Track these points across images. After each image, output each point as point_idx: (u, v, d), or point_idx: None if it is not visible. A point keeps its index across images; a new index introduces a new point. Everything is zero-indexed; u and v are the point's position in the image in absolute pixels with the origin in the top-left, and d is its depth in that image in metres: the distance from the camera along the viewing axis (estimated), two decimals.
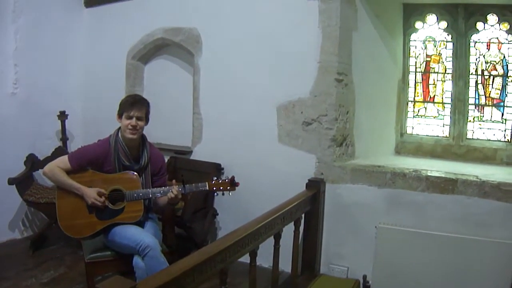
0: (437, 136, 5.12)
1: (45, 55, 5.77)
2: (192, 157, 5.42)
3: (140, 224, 3.80)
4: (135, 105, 3.75)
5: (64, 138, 5.80)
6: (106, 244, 3.78)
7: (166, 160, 4.20)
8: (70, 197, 3.67)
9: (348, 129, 4.73)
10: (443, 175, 4.16)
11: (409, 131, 5.27)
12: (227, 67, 5.10)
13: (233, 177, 3.82)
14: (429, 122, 5.18)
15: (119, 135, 3.83)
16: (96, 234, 3.73)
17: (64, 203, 3.68)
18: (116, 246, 3.70)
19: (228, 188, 3.80)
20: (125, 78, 5.84)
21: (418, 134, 5.22)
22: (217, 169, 5.09)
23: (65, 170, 3.68)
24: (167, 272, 2.59)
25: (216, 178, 3.82)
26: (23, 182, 5.17)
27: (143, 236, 3.55)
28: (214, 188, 3.79)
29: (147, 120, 3.87)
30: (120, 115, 3.79)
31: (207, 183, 3.78)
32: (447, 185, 4.10)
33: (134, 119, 3.73)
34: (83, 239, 3.87)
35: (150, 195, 3.77)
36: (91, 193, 3.62)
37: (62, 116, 5.77)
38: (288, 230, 3.89)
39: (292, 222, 4.01)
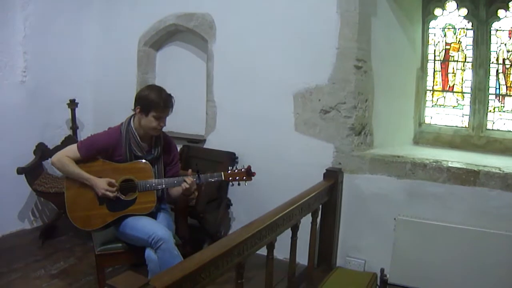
0: (456, 126, 4.92)
1: (55, 42, 5.58)
2: (205, 146, 5.26)
3: (153, 215, 3.62)
4: (168, 107, 3.55)
5: (74, 127, 5.64)
6: (117, 236, 3.61)
7: (178, 148, 4.03)
8: (80, 187, 3.50)
9: (367, 117, 4.55)
10: (464, 167, 4.01)
11: (427, 121, 5.07)
12: (242, 54, 4.92)
13: (249, 167, 3.64)
14: (448, 112, 4.98)
15: (131, 124, 3.61)
16: (106, 226, 3.56)
17: (73, 194, 3.51)
18: (128, 239, 3.53)
19: (244, 178, 3.61)
20: (136, 65, 5.66)
21: (436, 124, 5.02)
22: (231, 158, 4.93)
23: (74, 159, 3.49)
24: (182, 267, 2.44)
25: (231, 167, 3.63)
26: (32, 172, 5.03)
27: (155, 228, 3.37)
28: (230, 178, 3.60)
29: None
30: (145, 112, 3.51)
31: (222, 173, 3.59)
32: (468, 176, 3.94)
33: (163, 119, 3.56)
34: (93, 231, 3.70)
35: (164, 185, 3.58)
36: (102, 184, 3.44)
37: (72, 104, 5.60)
38: (303, 222, 3.75)
39: (309, 214, 3.87)
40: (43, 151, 5.25)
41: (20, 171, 4.88)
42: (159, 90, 3.62)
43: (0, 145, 5.08)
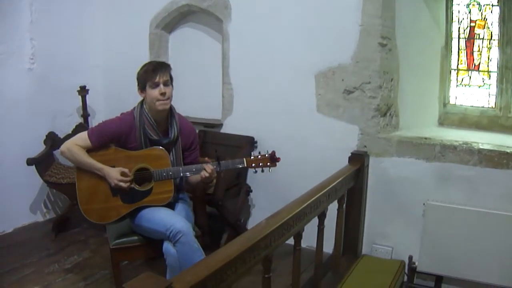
0: (483, 107, 4.62)
1: (63, 27, 5.31)
2: (222, 131, 5.03)
3: (170, 206, 3.37)
4: (158, 69, 3.25)
5: (85, 114, 5.40)
6: (133, 228, 3.38)
7: None
8: (92, 178, 3.25)
9: (392, 98, 4.29)
10: (496, 149, 3.76)
11: (452, 101, 4.78)
12: (260, 33, 4.65)
13: (273, 152, 3.36)
14: (473, 92, 4.67)
15: (144, 107, 3.35)
16: (121, 219, 3.32)
17: (85, 186, 3.27)
18: (144, 231, 3.29)
19: (268, 164, 3.34)
20: (148, 48, 5.41)
21: (462, 105, 4.73)
22: (250, 142, 4.69)
23: (84, 148, 3.24)
24: (206, 264, 2.17)
25: (254, 153, 3.36)
26: (43, 162, 4.81)
27: (173, 220, 3.12)
28: (253, 165, 3.33)
29: (172, 86, 3.38)
30: (143, 88, 3.30)
31: (244, 159, 3.32)
32: (501, 159, 3.70)
33: (161, 85, 3.23)
34: (108, 224, 3.47)
35: (181, 174, 3.31)
36: (115, 174, 3.18)
37: (83, 91, 5.35)
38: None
39: (335, 200, 3.63)
40: (53, 141, 5.02)
41: (30, 162, 4.65)
42: (148, 62, 3.48)
43: (9, 135, 4.86)
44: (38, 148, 4.92)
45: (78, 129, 5.10)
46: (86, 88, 5.37)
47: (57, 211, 5.43)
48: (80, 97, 5.36)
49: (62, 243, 4.70)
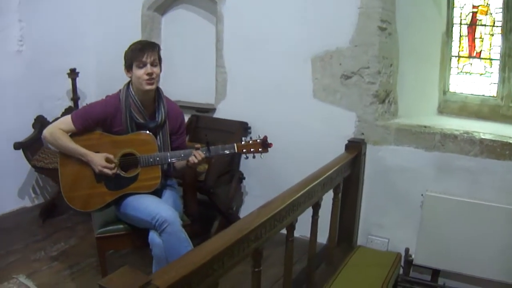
0: (484, 95, 4.46)
1: (53, 8, 5.11)
2: (215, 115, 4.89)
3: (157, 193, 3.23)
4: (145, 49, 3.11)
5: (75, 98, 5.23)
6: (118, 216, 3.24)
7: (186, 119, 3.72)
8: (75, 164, 3.11)
9: (391, 84, 4.13)
10: (498, 139, 3.62)
11: (452, 89, 4.62)
12: (255, 14, 4.47)
13: (265, 137, 3.21)
14: (474, 80, 4.51)
15: (130, 88, 3.20)
16: (106, 206, 3.18)
17: (68, 172, 3.13)
18: (130, 220, 3.15)
19: (259, 149, 3.20)
20: (140, 30, 5.22)
21: (462, 93, 4.57)
22: (244, 128, 4.57)
23: (68, 132, 3.10)
24: (191, 259, 2.03)
25: (245, 138, 3.21)
26: (30, 146, 4.68)
27: (160, 209, 2.98)
28: (244, 150, 3.19)
29: (160, 67, 3.23)
30: (129, 67, 3.17)
31: (235, 144, 3.18)
32: (503, 150, 3.58)
33: (148, 65, 3.08)
34: (92, 212, 3.34)
35: (169, 160, 3.17)
36: (99, 160, 3.04)
37: (73, 74, 5.17)
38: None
39: (331, 190, 3.50)
40: (42, 124, 4.83)
41: (17, 146, 4.54)
42: (137, 41, 3.31)
43: None
44: (26, 132, 4.80)
45: (67, 113, 4.86)
46: (76, 71, 5.20)
47: (45, 196, 5.30)
48: (70, 80, 5.19)
49: (49, 229, 4.59)
